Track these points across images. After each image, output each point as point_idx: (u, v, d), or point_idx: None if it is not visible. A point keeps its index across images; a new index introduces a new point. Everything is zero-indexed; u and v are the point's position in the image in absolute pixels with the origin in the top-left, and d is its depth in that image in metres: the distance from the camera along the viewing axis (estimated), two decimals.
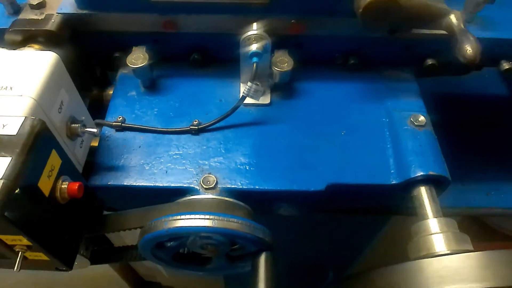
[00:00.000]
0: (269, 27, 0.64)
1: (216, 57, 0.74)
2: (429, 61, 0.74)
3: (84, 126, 0.57)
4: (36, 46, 0.62)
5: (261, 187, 0.61)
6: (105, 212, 0.65)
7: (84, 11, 0.67)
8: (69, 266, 0.55)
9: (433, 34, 0.68)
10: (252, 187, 0.61)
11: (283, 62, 0.67)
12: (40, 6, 0.69)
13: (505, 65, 0.73)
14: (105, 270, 1.56)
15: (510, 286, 0.44)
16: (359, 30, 0.66)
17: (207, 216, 0.54)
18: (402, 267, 0.44)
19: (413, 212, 0.61)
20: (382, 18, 0.59)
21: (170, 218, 0.55)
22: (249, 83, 0.63)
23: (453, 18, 0.60)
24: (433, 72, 0.75)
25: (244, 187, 0.61)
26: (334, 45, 0.72)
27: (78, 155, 0.59)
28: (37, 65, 0.52)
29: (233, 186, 0.61)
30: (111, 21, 0.68)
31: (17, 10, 0.71)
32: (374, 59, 0.75)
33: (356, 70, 0.75)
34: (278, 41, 0.68)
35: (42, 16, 0.67)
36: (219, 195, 0.61)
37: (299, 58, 0.70)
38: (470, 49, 0.57)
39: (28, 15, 0.69)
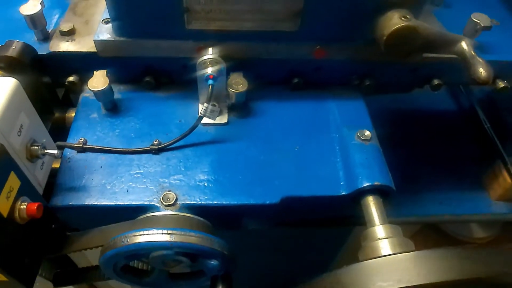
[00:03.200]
0: (224, 52, 0.69)
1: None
2: (436, 81, 0.81)
3: (44, 148, 0.59)
4: None
5: (219, 202, 0.64)
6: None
7: (122, 38, 0.69)
8: (28, 287, 0.55)
9: (439, 58, 0.75)
10: (211, 202, 0.64)
11: (238, 84, 0.71)
12: (71, 33, 0.72)
13: (501, 84, 0.81)
14: None
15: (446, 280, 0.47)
16: (373, 55, 0.73)
17: (165, 231, 0.56)
18: (346, 270, 0.48)
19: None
20: (401, 44, 0.66)
21: (130, 235, 0.57)
22: (205, 104, 0.67)
23: (464, 44, 0.68)
24: (379, 90, 0.81)
25: (203, 202, 0.64)
26: (350, 68, 0.78)
27: (38, 177, 0.60)
28: None
29: (192, 202, 0.63)
30: (146, 47, 0.71)
31: (46, 36, 0.73)
32: (384, 81, 0.80)
33: (371, 92, 0.80)
34: (297, 65, 0.75)
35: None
36: (179, 211, 0.63)
37: (317, 80, 0.76)
38: (483, 71, 0.64)
39: (58, 41, 0.71)
